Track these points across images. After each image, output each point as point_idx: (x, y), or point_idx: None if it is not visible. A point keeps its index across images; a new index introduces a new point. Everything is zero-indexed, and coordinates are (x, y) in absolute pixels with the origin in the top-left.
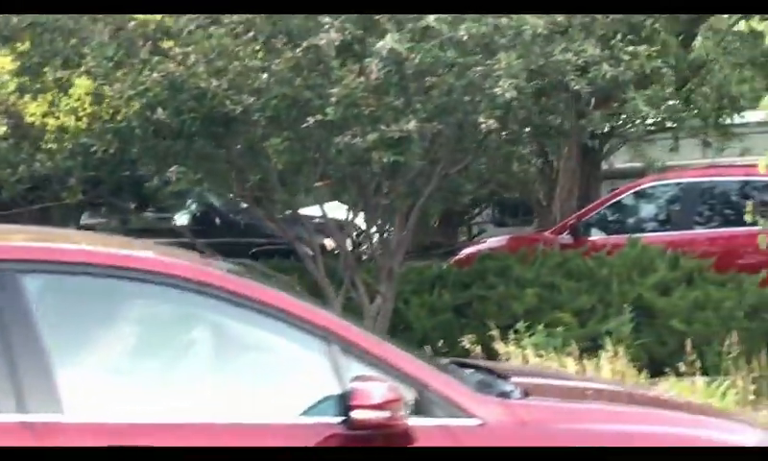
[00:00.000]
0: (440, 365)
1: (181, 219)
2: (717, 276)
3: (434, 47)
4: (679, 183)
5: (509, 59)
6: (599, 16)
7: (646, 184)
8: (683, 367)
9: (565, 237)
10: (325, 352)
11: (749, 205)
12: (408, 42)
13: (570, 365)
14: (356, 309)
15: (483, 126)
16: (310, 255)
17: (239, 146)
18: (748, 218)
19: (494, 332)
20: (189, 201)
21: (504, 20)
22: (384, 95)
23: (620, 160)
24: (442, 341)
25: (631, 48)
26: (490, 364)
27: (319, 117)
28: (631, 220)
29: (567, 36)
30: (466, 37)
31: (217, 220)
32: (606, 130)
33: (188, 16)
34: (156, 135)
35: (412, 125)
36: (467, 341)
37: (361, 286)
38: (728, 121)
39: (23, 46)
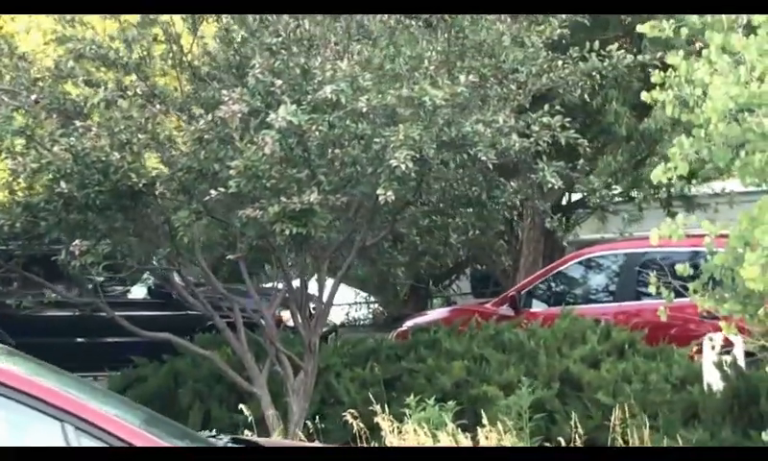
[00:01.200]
0: (199, 441)
1: (138, 292)
2: (649, 348)
3: (337, 118)
4: (622, 254)
5: (407, 130)
6: (513, 88)
7: (588, 255)
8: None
9: (506, 309)
10: (60, 431)
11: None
12: (308, 114)
13: (444, 440)
14: (281, 383)
15: (381, 198)
16: (234, 328)
17: (150, 219)
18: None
19: (376, 408)
20: (145, 274)
21: (405, 92)
22: (291, 167)
23: (587, 231)
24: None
25: (545, 119)
26: (271, 441)
27: (221, 190)
28: (572, 291)
29: (484, 105)
30: (365, 109)
31: (173, 293)
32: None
33: (94, 90)
34: (66, 209)
35: (313, 197)
36: (349, 416)
37: (285, 360)
38: (692, 191)
39: None
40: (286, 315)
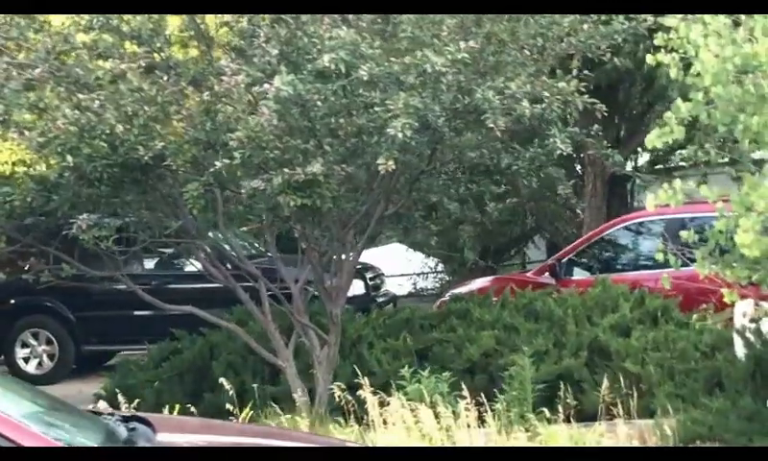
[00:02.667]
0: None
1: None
2: (682, 315)
3: (340, 88)
4: (662, 220)
5: (407, 99)
6: (528, 53)
7: (628, 221)
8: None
9: (546, 277)
10: None
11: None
12: (309, 83)
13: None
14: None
15: (381, 168)
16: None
17: (164, 192)
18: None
19: (362, 380)
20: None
21: (408, 59)
22: (295, 137)
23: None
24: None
25: (561, 84)
26: (162, 418)
27: (226, 161)
28: (613, 258)
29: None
30: (366, 77)
31: (228, 266)
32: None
33: (99, 63)
34: (78, 183)
35: (317, 167)
36: (336, 389)
37: (311, 332)
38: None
39: None
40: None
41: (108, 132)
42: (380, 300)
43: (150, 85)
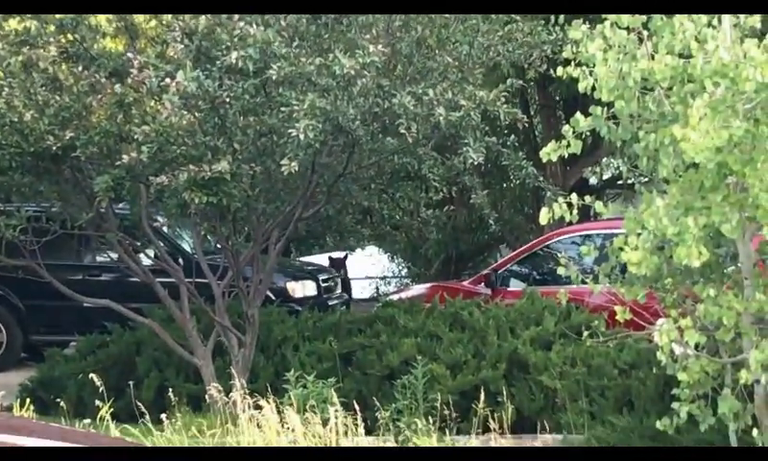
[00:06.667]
0: None
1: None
2: (607, 331)
3: (252, 86)
4: (598, 235)
5: (313, 100)
6: (450, 60)
7: (566, 234)
8: None
9: (482, 287)
10: None
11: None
12: (217, 80)
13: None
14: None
15: (284, 169)
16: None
17: (76, 182)
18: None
19: (236, 383)
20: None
21: (318, 60)
22: (204, 134)
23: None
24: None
25: (481, 93)
26: None
27: (133, 155)
28: (550, 270)
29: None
30: (275, 77)
31: (180, 260)
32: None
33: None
34: None
35: (223, 165)
36: (214, 390)
37: (230, 332)
38: None
39: None
40: (292, 286)
41: (15, 119)
42: (333, 302)
43: (67, 75)
